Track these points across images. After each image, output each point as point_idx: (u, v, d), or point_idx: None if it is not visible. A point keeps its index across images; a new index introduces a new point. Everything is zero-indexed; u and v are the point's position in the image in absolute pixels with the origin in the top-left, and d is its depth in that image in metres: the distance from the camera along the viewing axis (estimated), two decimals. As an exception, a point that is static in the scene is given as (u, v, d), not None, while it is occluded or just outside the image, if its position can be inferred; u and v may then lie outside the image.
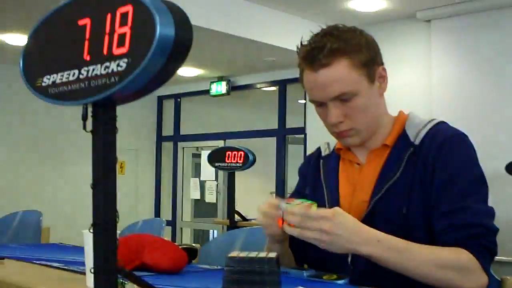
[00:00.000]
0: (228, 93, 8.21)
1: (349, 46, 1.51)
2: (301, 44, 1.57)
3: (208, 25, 5.59)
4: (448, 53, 6.25)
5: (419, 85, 6.40)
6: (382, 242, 1.39)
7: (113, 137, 0.95)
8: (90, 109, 0.95)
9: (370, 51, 1.55)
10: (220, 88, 8.27)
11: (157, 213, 9.18)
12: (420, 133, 1.57)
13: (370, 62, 1.54)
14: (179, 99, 9.09)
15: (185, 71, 7.83)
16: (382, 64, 1.60)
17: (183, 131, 9.10)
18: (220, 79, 8.27)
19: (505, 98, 5.84)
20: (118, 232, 1.24)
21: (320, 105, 1.57)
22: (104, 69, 0.89)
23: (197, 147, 9.16)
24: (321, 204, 1.63)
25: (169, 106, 9.22)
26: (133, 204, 8.76)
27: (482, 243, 1.43)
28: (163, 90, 8.74)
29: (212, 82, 8.31)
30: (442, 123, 1.62)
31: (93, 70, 0.91)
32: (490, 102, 5.91)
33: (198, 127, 9.09)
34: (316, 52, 1.50)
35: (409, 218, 1.50)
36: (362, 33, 1.57)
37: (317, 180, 1.72)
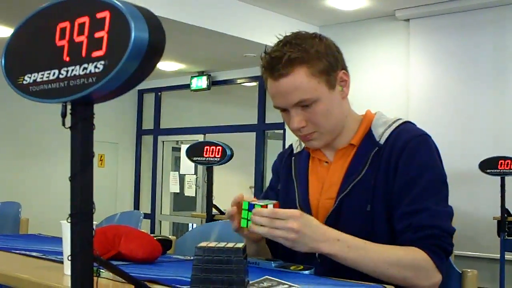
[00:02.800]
0: (208, 88, 8.27)
1: (307, 54, 1.55)
2: (265, 52, 1.61)
3: (189, 20, 5.64)
4: (425, 52, 6.36)
5: (396, 82, 6.51)
6: (341, 241, 1.46)
7: (91, 133, 1.01)
8: (69, 107, 1.01)
9: (329, 58, 1.58)
10: (200, 82, 8.32)
11: (136, 206, 9.22)
12: (385, 132, 1.63)
13: (330, 69, 1.58)
14: (159, 93, 9.12)
15: (166, 65, 7.87)
16: (344, 68, 1.64)
17: (163, 125, 9.14)
18: (201, 73, 8.32)
19: (479, 98, 5.97)
20: (96, 223, 1.30)
21: (284, 110, 1.63)
22: (83, 70, 0.95)
23: (177, 141, 9.21)
24: (292, 201, 1.71)
25: (149, 100, 9.25)
26: (113, 197, 8.79)
27: (437, 243, 1.50)
28: (143, 84, 8.75)
29: (193, 77, 8.35)
30: (407, 123, 1.68)
31: (72, 70, 0.96)
32: (466, 101, 6.03)
33: (178, 121, 9.13)
34: (275, 62, 1.55)
35: (373, 215, 1.57)
36: (322, 40, 1.61)
37: (289, 177, 1.79)
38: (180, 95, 9.12)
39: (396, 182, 1.56)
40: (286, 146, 1.85)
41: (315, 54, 1.56)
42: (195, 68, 8.21)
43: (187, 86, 8.41)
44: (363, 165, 1.61)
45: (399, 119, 1.68)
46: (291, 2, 6.13)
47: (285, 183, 1.80)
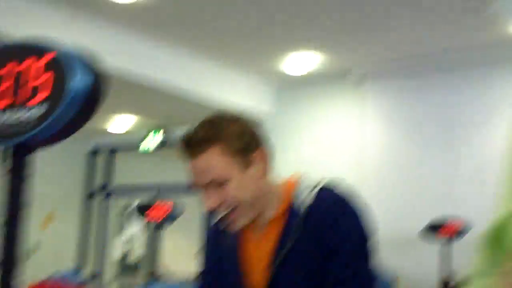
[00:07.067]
0: (162, 145, 8.20)
1: (220, 135, 1.55)
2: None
3: (146, 77, 5.65)
4: (380, 113, 6.46)
5: (351, 144, 6.53)
6: None
7: (27, 179, 0.99)
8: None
9: (244, 139, 1.58)
10: (153, 140, 8.24)
11: (82, 265, 8.95)
12: (304, 203, 1.61)
13: (244, 150, 1.57)
14: (111, 152, 9.00)
15: (120, 119, 7.83)
16: (261, 146, 1.62)
17: (114, 183, 8.99)
18: (155, 130, 8.26)
19: (431, 160, 6.07)
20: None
21: (202, 189, 1.61)
22: (21, 116, 0.94)
23: (128, 200, 9.06)
24: (226, 281, 1.71)
25: (101, 159, 9.12)
26: (58, 256, 8.53)
27: None
28: (94, 142, 8.65)
29: (146, 135, 8.29)
30: (324, 189, 1.64)
31: (10, 116, 0.96)
32: (417, 164, 6.13)
33: (130, 179, 9.00)
34: (189, 142, 1.57)
35: (306, 286, 1.58)
36: (239, 121, 1.61)
37: (220, 256, 1.76)
38: (133, 153, 9.01)
39: (320, 253, 1.57)
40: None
41: (228, 135, 1.56)
42: (149, 125, 8.18)
43: (139, 145, 8.33)
44: (290, 238, 1.60)
45: (318, 183, 1.65)
46: (249, 65, 6.19)
47: (216, 262, 1.77)
